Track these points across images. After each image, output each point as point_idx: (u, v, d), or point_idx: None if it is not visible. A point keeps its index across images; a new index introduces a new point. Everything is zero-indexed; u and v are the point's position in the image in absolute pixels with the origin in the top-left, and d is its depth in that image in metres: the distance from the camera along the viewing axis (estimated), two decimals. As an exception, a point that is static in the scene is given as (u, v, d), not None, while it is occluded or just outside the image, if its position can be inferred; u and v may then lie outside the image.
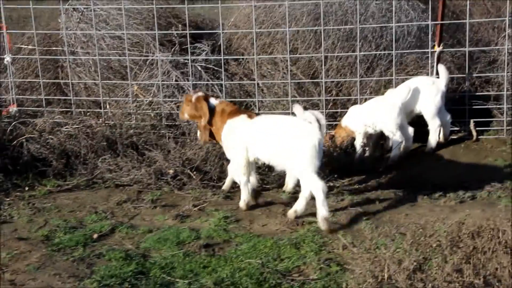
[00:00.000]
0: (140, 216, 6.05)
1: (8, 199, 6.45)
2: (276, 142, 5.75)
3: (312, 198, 5.67)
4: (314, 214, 5.90)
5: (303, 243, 5.27)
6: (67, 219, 5.91)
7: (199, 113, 6.16)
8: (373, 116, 7.15)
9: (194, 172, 6.65)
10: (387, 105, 7.13)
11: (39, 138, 7.20)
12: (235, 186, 6.66)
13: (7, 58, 7.72)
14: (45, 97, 7.90)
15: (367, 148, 7.23)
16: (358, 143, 7.22)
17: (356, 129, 7.23)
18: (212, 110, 6.12)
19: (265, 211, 6.10)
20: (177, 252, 5.13)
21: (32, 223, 5.85)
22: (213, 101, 6.18)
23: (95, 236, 5.48)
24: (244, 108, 7.84)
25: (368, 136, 7.27)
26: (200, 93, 6.25)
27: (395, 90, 7.32)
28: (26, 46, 8.39)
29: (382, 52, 7.95)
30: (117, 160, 6.95)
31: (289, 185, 6.51)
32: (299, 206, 5.83)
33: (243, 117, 6.01)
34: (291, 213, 5.85)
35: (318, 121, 5.60)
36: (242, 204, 6.13)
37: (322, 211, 5.56)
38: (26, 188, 6.75)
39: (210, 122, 6.15)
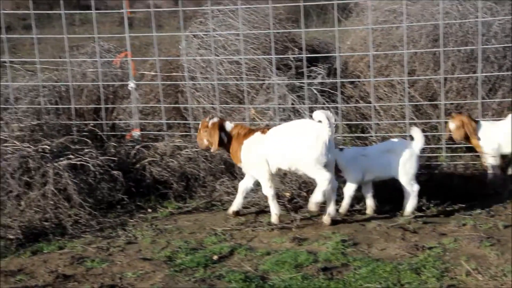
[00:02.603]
0: (258, 238, 6.10)
1: (132, 221, 6.68)
2: (288, 145, 6.12)
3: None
4: (435, 239, 5.78)
5: (424, 269, 5.15)
6: (188, 241, 6.05)
7: (211, 139, 6.45)
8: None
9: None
10: None
11: (160, 161, 7.43)
12: (351, 210, 6.63)
13: (131, 84, 8.02)
14: (166, 121, 8.14)
15: (498, 172, 6.94)
16: (490, 165, 6.94)
17: (488, 151, 6.96)
18: (228, 134, 6.49)
19: (383, 234, 6.02)
20: (295, 275, 5.13)
21: (155, 244, 6.03)
22: (228, 126, 6.50)
23: (215, 257, 5.57)
24: (360, 131, 7.82)
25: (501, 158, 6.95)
26: (215, 119, 6.54)
27: None
28: (148, 73, 8.71)
29: (506, 73, 7.69)
30: (235, 182, 7.06)
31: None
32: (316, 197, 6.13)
33: (257, 135, 6.39)
34: (311, 205, 6.18)
35: (328, 119, 5.98)
36: (274, 218, 6.38)
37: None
38: (149, 210, 6.97)
39: (227, 146, 6.52)
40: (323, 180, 6.08)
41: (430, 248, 5.60)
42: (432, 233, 6.01)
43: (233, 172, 7.25)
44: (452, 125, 7.01)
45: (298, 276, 5.10)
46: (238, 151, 6.46)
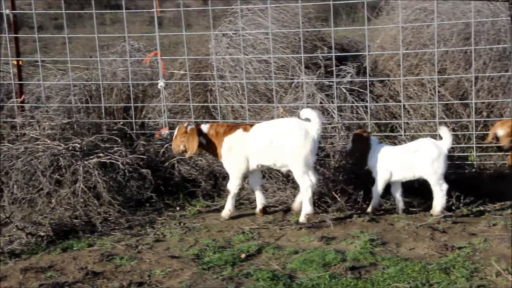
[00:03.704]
0: (285, 237, 6.09)
1: (160, 219, 6.72)
2: (276, 143, 6.28)
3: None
4: (464, 239, 5.73)
5: (453, 269, 5.11)
6: (216, 239, 6.07)
7: (189, 145, 6.53)
8: None
9: (339, 194, 6.62)
10: None
11: (189, 160, 7.46)
12: (381, 209, 6.59)
13: (161, 83, 8.05)
14: (195, 120, 8.16)
15: None
16: None
17: None
18: (206, 136, 6.58)
19: (412, 234, 5.97)
20: (323, 274, 5.11)
21: (183, 242, 6.05)
22: (204, 128, 6.61)
23: (243, 256, 5.58)
24: (390, 130, 7.78)
25: None
26: (193, 125, 6.65)
27: None
28: (178, 71, 8.74)
29: (538, 71, 7.60)
30: (263, 181, 7.06)
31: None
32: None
33: (239, 132, 6.50)
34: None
35: (317, 117, 6.14)
36: (225, 213, 6.58)
37: (307, 208, 6.26)
38: (177, 208, 7.01)
39: (207, 148, 6.63)
40: (306, 187, 6.26)
41: (459, 248, 5.55)
42: (461, 233, 5.96)
43: (261, 171, 7.23)
44: (500, 132, 6.74)
45: (326, 275, 5.08)
46: (219, 147, 6.57)
